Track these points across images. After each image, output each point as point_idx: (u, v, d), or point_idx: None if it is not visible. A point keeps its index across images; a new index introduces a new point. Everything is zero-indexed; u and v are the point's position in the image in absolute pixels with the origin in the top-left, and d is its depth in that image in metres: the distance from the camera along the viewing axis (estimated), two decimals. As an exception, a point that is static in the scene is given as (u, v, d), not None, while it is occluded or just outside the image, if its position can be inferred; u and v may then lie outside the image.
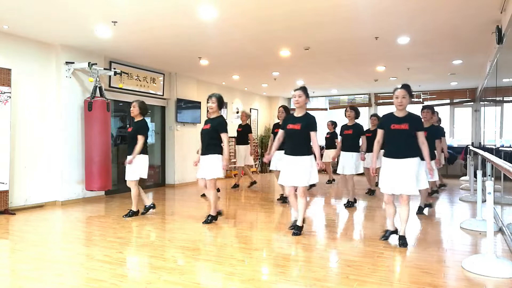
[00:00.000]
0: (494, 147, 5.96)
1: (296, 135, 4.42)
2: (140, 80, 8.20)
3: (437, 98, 12.14)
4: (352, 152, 6.22)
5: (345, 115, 6.45)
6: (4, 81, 5.64)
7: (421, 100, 12.11)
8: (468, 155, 8.97)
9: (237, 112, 11.60)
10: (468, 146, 9.86)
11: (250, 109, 12.53)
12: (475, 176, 5.50)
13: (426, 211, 5.82)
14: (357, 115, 6.33)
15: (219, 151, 5.01)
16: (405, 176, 3.97)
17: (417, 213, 5.66)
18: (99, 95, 6.68)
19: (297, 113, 4.52)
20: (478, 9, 4.80)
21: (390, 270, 3.37)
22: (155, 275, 3.23)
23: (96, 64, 6.64)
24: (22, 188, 6.10)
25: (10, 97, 5.70)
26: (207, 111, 5.18)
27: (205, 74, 9.31)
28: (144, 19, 5.23)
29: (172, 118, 9.19)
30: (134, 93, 8.10)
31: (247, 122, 8.34)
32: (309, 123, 4.42)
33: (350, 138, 6.27)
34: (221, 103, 5.07)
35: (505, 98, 5.57)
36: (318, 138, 4.46)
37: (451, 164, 11.34)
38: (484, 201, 4.19)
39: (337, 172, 6.51)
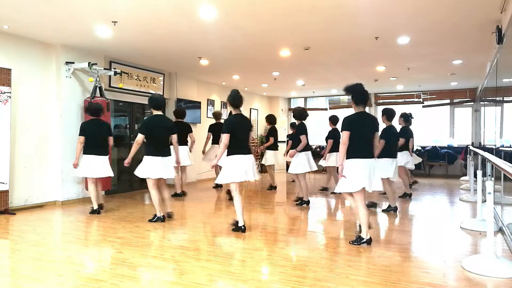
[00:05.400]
0: (494, 147, 5.96)
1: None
2: (140, 80, 8.20)
3: (437, 98, 12.13)
4: (300, 152, 6.31)
5: None
6: (4, 81, 5.64)
7: (421, 100, 12.11)
8: (468, 155, 8.97)
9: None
10: (468, 146, 9.87)
11: (250, 109, 12.53)
12: (475, 176, 5.50)
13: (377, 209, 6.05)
14: (300, 116, 6.45)
15: (148, 151, 5.17)
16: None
17: (383, 211, 5.97)
18: (99, 95, 6.68)
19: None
20: (478, 9, 4.80)
21: (390, 270, 3.37)
22: (155, 275, 3.23)
23: (96, 64, 6.64)
24: (22, 188, 6.10)
25: (10, 97, 5.70)
26: None
27: (205, 74, 9.31)
28: (144, 19, 5.23)
29: (172, 118, 9.16)
30: (134, 93, 8.10)
31: (220, 121, 8.26)
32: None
33: (293, 138, 6.52)
34: (151, 104, 5.32)
35: (505, 98, 5.57)
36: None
37: (451, 164, 11.36)
38: (484, 201, 4.19)
39: (288, 171, 6.59)
